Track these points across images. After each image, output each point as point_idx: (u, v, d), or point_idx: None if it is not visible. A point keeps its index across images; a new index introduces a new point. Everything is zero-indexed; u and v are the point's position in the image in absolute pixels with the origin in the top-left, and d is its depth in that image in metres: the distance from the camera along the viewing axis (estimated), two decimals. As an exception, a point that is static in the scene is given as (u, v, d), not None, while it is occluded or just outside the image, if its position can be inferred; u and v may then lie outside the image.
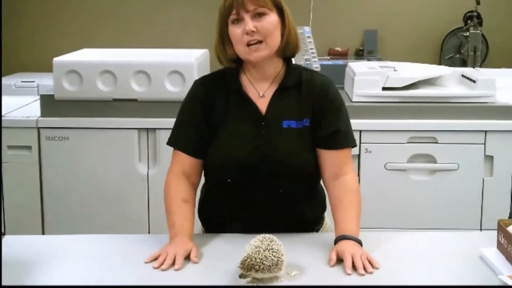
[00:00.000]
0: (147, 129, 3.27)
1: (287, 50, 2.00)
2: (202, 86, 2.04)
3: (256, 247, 1.67)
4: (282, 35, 1.97)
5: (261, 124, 1.98)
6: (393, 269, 1.78)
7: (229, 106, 2.00)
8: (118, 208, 3.29)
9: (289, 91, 2.01)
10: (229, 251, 1.74)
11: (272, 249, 1.67)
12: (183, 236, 1.88)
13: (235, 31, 1.93)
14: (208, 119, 2.00)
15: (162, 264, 1.78)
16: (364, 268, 1.74)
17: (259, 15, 1.92)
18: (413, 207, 3.27)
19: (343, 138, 2.00)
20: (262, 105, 2.00)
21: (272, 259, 1.65)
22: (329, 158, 2.00)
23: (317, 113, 1.99)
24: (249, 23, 1.91)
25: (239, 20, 1.93)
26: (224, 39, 1.97)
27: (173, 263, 1.79)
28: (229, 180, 1.99)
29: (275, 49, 1.97)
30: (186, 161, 2.02)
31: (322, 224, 2.13)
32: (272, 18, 1.94)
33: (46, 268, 1.78)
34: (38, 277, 1.73)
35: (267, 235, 1.71)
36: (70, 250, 1.92)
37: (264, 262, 1.64)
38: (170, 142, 2.05)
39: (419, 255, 1.88)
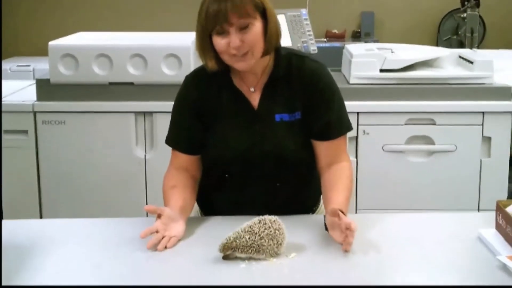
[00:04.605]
0: (144, 113, 3.26)
1: (269, 50, 1.94)
2: (194, 84, 2.02)
3: (239, 228, 1.70)
4: (265, 36, 1.90)
5: (254, 119, 1.97)
6: (390, 250, 1.78)
7: (222, 101, 1.99)
8: (115, 192, 3.29)
9: (280, 83, 1.98)
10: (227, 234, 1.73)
11: (251, 231, 1.69)
12: None
13: (219, 42, 1.86)
14: (202, 117, 2.00)
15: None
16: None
17: (244, 27, 1.85)
18: (411, 188, 3.27)
19: (334, 128, 1.98)
20: (254, 99, 1.98)
21: (246, 240, 1.68)
22: (323, 149, 1.99)
23: (308, 105, 1.97)
24: (235, 37, 1.84)
25: (223, 31, 1.85)
26: (205, 51, 1.91)
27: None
28: (226, 175, 2.01)
29: (260, 55, 1.91)
30: (184, 158, 2.04)
31: (319, 205, 2.14)
32: (256, 27, 1.87)
33: (44, 252, 1.78)
34: (36, 261, 1.73)
35: (266, 217, 1.72)
36: (67, 234, 1.92)
37: (237, 241, 1.68)
38: (167, 141, 2.08)
39: (417, 236, 1.88)
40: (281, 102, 1.97)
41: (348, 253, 1.73)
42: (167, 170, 2.06)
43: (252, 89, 1.98)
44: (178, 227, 1.86)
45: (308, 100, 1.96)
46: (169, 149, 2.08)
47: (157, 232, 1.81)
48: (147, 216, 3.24)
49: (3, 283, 1.58)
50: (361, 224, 1.87)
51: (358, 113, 3.20)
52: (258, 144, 1.96)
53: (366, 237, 1.84)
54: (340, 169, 1.98)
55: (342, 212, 1.78)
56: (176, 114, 2.05)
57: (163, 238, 1.81)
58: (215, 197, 2.09)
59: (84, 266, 1.71)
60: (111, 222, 2.03)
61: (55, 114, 3.24)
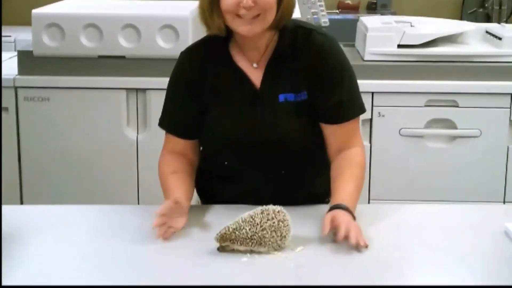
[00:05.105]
0: (136, 90, 3.25)
1: (279, 23, 1.93)
2: (189, 61, 2.01)
3: (239, 218, 1.70)
4: (278, 6, 1.89)
5: (255, 100, 1.96)
6: (406, 245, 1.78)
7: (219, 80, 1.98)
8: (104, 176, 3.29)
9: (284, 59, 1.96)
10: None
11: (252, 222, 1.69)
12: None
13: (227, 1, 1.85)
14: (198, 97, 1.98)
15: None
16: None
17: None
18: (430, 177, 3.27)
19: (346, 110, 1.96)
20: (256, 77, 1.97)
21: (246, 232, 1.68)
22: (333, 134, 1.98)
23: (315, 84, 1.94)
24: None
25: None
26: (213, 7, 1.88)
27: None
28: (226, 162, 2.00)
29: (269, 24, 1.89)
30: (178, 142, 2.04)
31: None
32: None
33: (25, 241, 1.77)
34: (16, 250, 1.72)
35: (270, 208, 1.72)
36: (51, 221, 1.92)
37: (236, 232, 1.68)
38: (160, 124, 2.07)
39: (436, 230, 1.87)
40: (286, 80, 1.96)
41: (361, 247, 1.73)
42: (161, 155, 2.06)
43: (255, 65, 1.97)
44: (180, 221, 1.84)
45: (315, 78, 1.94)
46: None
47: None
48: (138, 203, 3.26)
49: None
50: (374, 216, 1.88)
51: (373, 93, 3.20)
52: (259, 128, 1.95)
53: (380, 231, 1.84)
54: (350, 155, 1.96)
55: (348, 208, 1.80)
56: (170, 95, 2.05)
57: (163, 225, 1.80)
58: (215, 185, 2.08)
59: (70, 257, 1.71)
60: (99, 209, 2.03)
61: (39, 90, 3.23)
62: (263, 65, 1.97)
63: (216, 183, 2.08)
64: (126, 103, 3.26)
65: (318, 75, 1.94)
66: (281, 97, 1.95)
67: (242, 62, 1.98)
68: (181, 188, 1.93)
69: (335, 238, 1.74)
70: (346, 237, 1.72)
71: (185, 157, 2.04)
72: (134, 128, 3.29)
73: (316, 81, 1.95)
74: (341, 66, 1.97)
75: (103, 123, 3.27)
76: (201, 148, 2.08)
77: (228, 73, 1.97)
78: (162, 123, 2.07)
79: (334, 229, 1.76)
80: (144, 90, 3.24)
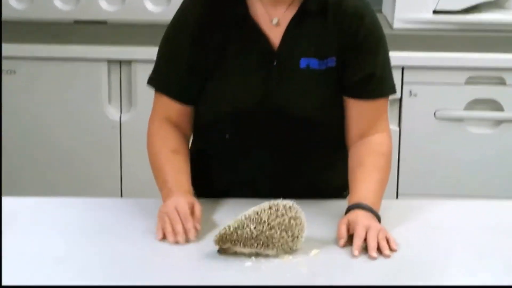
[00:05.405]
0: (120, 61, 3.27)
1: None
2: (195, 8, 2.00)
3: (242, 215, 1.70)
4: None
5: (272, 63, 1.96)
6: (441, 248, 1.78)
7: (230, 36, 1.97)
8: (82, 163, 3.32)
9: (311, 19, 1.96)
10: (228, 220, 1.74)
11: (258, 219, 1.68)
12: (179, 192, 1.88)
13: None
14: (202, 53, 1.97)
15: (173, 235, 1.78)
16: (379, 250, 1.72)
17: None
18: (471, 168, 3.28)
19: (377, 85, 1.98)
20: (275, 36, 1.97)
21: (250, 231, 1.67)
22: (357, 111, 1.98)
23: (346, 51, 1.95)
24: None
25: None
26: None
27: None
28: (226, 136, 2.00)
29: None
30: (173, 107, 2.01)
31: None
32: None
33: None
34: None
35: (279, 202, 1.72)
36: (19, 216, 1.92)
37: (238, 232, 1.67)
38: (151, 82, 2.04)
39: (479, 231, 1.87)
40: (310, 43, 1.96)
41: (386, 256, 1.73)
42: (151, 124, 2.02)
43: (274, 21, 1.96)
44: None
45: (345, 45, 1.95)
46: (150, 108, 2.06)
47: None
48: (121, 194, 3.26)
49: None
50: (403, 214, 1.88)
51: (403, 67, 3.21)
52: (271, 98, 1.95)
53: (410, 231, 1.84)
54: (373, 141, 1.97)
55: (370, 208, 1.81)
56: (168, 46, 2.03)
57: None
58: (211, 168, 2.08)
59: (43, 258, 1.71)
60: (76, 202, 2.04)
61: (3, 61, 3.23)
62: (285, 22, 1.96)
63: (211, 162, 2.07)
64: (107, 77, 3.28)
65: (350, 42, 1.95)
66: (303, 63, 1.95)
67: (260, 17, 1.97)
68: (186, 174, 1.94)
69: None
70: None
71: (180, 130, 2.02)
72: (116, 107, 3.30)
73: (346, 49, 1.96)
74: (377, 36, 1.99)
75: (80, 100, 3.28)
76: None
77: (242, 27, 1.97)
78: (155, 82, 2.03)
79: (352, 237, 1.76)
80: (129, 61, 3.26)
